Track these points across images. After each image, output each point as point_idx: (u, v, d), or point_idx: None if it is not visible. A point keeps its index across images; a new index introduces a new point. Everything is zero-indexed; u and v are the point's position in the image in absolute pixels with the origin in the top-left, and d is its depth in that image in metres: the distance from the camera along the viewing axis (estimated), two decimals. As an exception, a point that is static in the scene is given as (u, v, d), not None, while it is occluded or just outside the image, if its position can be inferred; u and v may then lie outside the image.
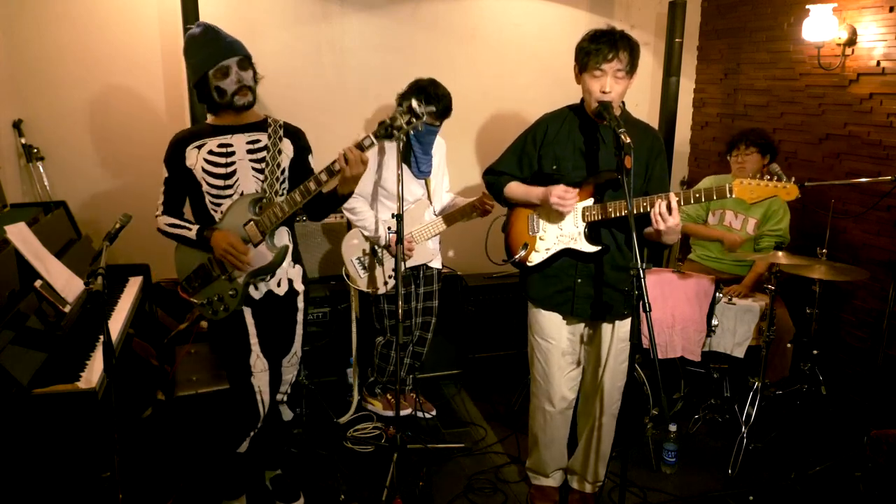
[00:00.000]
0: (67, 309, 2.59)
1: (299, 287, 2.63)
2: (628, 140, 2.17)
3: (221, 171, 2.42)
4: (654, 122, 4.29)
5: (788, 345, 3.35)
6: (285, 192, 2.50)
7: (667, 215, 2.25)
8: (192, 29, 2.46)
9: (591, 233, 2.49)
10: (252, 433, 2.58)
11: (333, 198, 2.49)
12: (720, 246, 3.62)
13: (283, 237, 2.54)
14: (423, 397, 3.69)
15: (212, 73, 2.35)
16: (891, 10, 3.26)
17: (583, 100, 2.49)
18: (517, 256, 2.61)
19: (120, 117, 3.77)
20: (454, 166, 4.13)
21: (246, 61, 2.41)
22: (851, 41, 3.43)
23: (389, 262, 3.27)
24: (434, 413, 3.63)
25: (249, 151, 2.45)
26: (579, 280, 2.54)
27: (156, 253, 3.24)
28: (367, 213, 3.26)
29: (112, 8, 3.65)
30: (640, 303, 2.12)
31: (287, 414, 2.91)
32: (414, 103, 2.28)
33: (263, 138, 2.48)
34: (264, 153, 2.46)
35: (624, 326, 2.58)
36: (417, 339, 3.55)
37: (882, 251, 3.42)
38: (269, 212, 2.40)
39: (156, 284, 3.56)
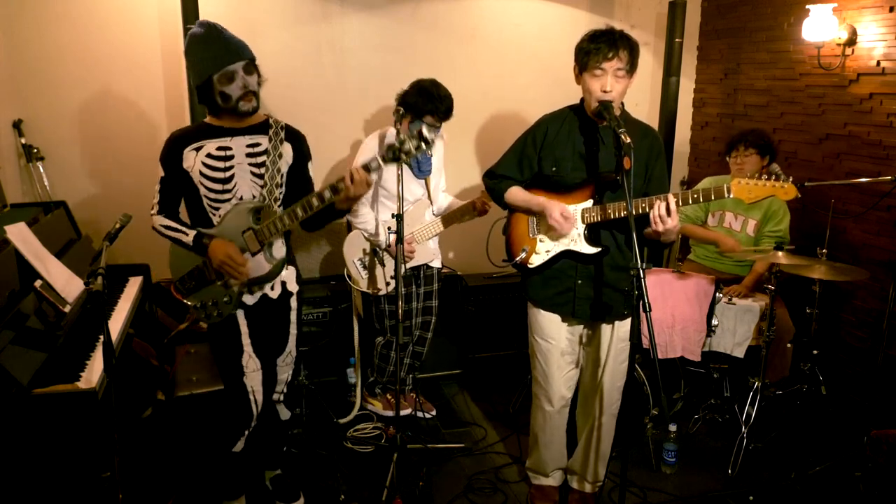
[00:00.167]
0: (67, 309, 2.59)
1: (293, 288, 2.63)
2: (628, 140, 2.17)
3: (220, 175, 2.40)
4: (654, 122, 4.29)
5: (788, 345, 3.35)
6: (282, 195, 2.48)
7: (665, 217, 2.25)
8: (194, 28, 2.40)
9: (591, 234, 2.49)
10: (246, 432, 2.58)
11: (331, 212, 2.45)
12: (716, 247, 3.62)
13: (280, 249, 2.53)
14: (423, 397, 3.69)
15: (216, 78, 2.32)
16: (891, 10, 3.26)
17: (583, 100, 2.49)
18: (518, 259, 2.61)
19: (120, 117, 3.77)
20: (454, 166, 4.14)
21: (251, 65, 2.38)
22: (851, 41, 3.43)
23: (390, 263, 3.27)
24: (434, 413, 3.63)
25: (249, 155, 2.42)
26: (579, 281, 2.55)
27: (156, 253, 3.23)
28: (367, 215, 3.26)
29: (112, 8, 3.65)
30: (640, 303, 2.13)
31: (285, 414, 2.90)
32: (424, 130, 2.25)
33: (264, 142, 2.45)
34: (264, 157, 2.44)
35: (624, 326, 2.58)
36: (417, 338, 3.55)
37: (882, 251, 3.42)
38: (270, 223, 2.38)
39: (156, 284, 3.56)
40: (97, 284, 1.97)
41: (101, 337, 2.09)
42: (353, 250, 3.35)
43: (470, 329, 4.01)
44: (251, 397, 2.53)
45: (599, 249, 2.49)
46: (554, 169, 2.52)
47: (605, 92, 2.33)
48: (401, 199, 2.79)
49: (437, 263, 3.52)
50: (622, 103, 2.46)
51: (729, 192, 2.25)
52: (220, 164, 2.39)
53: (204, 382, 2.92)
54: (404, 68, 4.08)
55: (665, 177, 2.58)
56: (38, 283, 2.53)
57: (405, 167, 3.20)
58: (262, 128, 2.47)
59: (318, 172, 4.05)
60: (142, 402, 3.18)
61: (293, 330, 2.69)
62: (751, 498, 2.90)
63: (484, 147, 4.34)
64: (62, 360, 2.41)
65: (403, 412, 3.41)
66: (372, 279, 3.32)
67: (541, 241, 2.58)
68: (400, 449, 2.88)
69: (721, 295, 3.34)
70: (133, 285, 3.27)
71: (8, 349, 2.22)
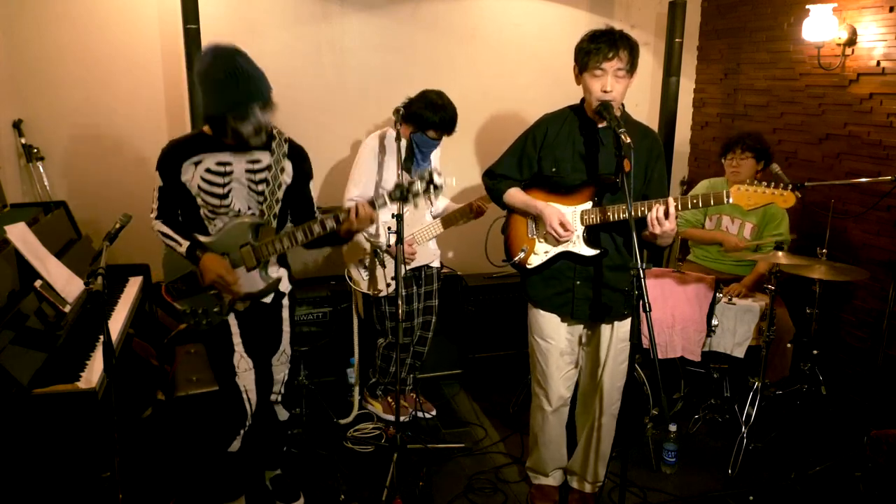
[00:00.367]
0: (67, 309, 2.59)
1: (285, 288, 2.63)
2: (628, 140, 2.17)
3: (218, 190, 2.38)
4: (654, 123, 4.29)
5: (788, 345, 3.35)
6: (280, 212, 2.48)
7: (663, 220, 2.26)
8: (211, 52, 2.23)
9: (590, 236, 2.50)
10: (242, 431, 2.58)
11: (331, 238, 2.44)
12: (719, 247, 3.62)
13: (276, 268, 2.54)
14: (424, 397, 3.69)
15: (231, 116, 2.26)
16: (891, 10, 3.26)
17: (583, 100, 2.49)
18: (516, 259, 2.61)
19: (120, 117, 3.77)
20: (454, 166, 4.14)
21: (268, 102, 2.31)
22: (851, 41, 3.43)
23: (391, 264, 3.26)
24: (434, 413, 3.63)
25: (249, 171, 2.40)
26: (578, 282, 2.55)
27: (156, 253, 3.22)
28: (369, 217, 3.26)
29: (112, 8, 3.65)
30: (640, 303, 2.13)
31: (283, 414, 2.91)
32: (436, 177, 2.26)
33: (265, 158, 2.42)
34: (265, 174, 2.42)
35: (623, 327, 2.59)
36: (418, 338, 3.55)
37: (882, 251, 3.42)
38: (268, 243, 2.38)
39: (156, 284, 3.55)
40: (97, 284, 1.97)
41: (101, 337, 2.09)
42: (353, 250, 3.35)
43: (470, 329, 4.01)
44: (244, 396, 2.53)
45: (598, 251, 2.49)
46: (554, 169, 2.52)
47: (605, 92, 2.33)
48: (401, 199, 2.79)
49: (436, 263, 3.52)
50: (622, 104, 2.46)
51: (728, 198, 2.25)
52: (220, 180, 2.37)
53: (204, 382, 2.92)
54: (404, 68, 4.09)
55: (664, 179, 2.59)
56: (38, 283, 2.54)
57: (404, 172, 3.20)
58: (265, 144, 2.42)
59: (318, 172, 4.02)
60: (142, 402, 3.18)
61: (286, 328, 2.69)
62: (751, 498, 2.90)
63: (484, 147, 4.34)
64: (62, 360, 2.41)
65: (403, 418, 3.40)
66: (373, 280, 3.32)
67: (539, 241, 2.58)
68: (400, 449, 2.88)
69: (721, 295, 3.34)
70: (133, 285, 3.28)
71: (8, 349, 2.22)
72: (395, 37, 4.09)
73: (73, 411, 2.26)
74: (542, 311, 2.64)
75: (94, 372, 2.37)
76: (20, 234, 2.63)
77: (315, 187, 2.64)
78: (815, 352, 3.33)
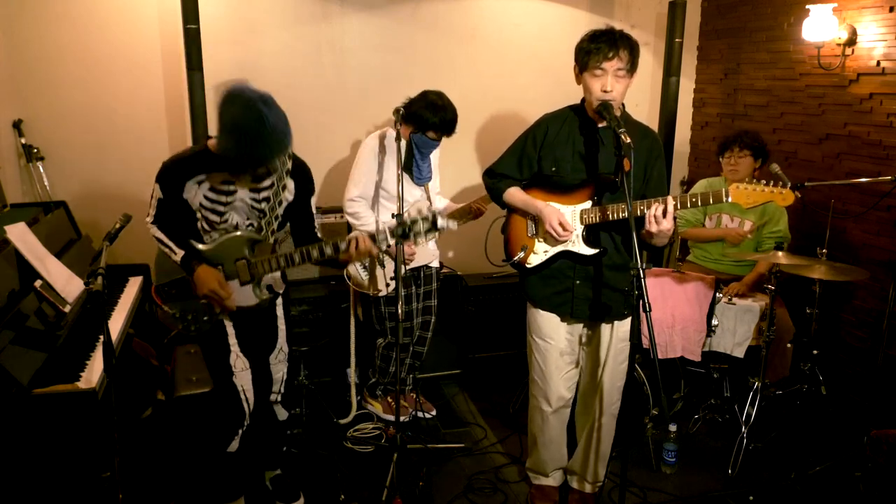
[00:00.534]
0: (67, 309, 2.59)
1: (279, 288, 2.64)
2: (629, 140, 2.17)
3: (220, 208, 2.39)
4: (654, 123, 4.28)
5: (788, 345, 3.35)
6: (279, 228, 2.49)
7: (661, 218, 2.26)
8: (238, 101, 2.12)
9: (589, 235, 2.50)
10: (240, 431, 2.58)
11: (329, 261, 2.44)
12: (719, 247, 3.62)
13: (270, 278, 2.54)
14: (423, 397, 3.69)
15: (250, 165, 2.27)
16: (891, 10, 3.26)
17: (583, 100, 2.49)
18: (516, 258, 2.61)
19: (120, 117, 3.77)
20: (454, 166, 4.14)
21: (284, 156, 2.33)
22: (851, 41, 3.43)
23: (390, 264, 3.27)
24: (434, 413, 3.63)
25: (252, 191, 2.40)
26: (577, 282, 2.55)
27: (156, 253, 3.24)
28: (369, 218, 3.26)
29: (112, 8, 3.65)
30: (640, 303, 2.13)
31: (282, 414, 2.91)
32: (440, 220, 2.27)
33: (269, 177, 2.42)
34: (268, 192, 2.42)
35: (623, 326, 2.58)
36: (417, 338, 3.55)
37: (882, 251, 3.42)
38: (264, 260, 2.38)
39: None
40: (97, 284, 1.97)
41: (101, 337, 2.09)
42: (353, 250, 3.34)
43: (470, 329, 4.01)
44: (242, 396, 2.54)
45: (597, 251, 2.49)
46: (553, 169, 2.52)
47: (605, 92, 2.33)
48: (401, 199, 2.79)
49: (436, 263, 3.53)
50: (623, 104, 2.46)
51: (727, 196, 2.25)
52: (222, 199, 2.38)
53: (204, 382, 2.92)
54: (404, 68, 4.09)
55: (664, 178, 2.58)
56: (38, 283, 2.54)
57: (405, 174, 3.20)
58: None
59: (318, 172, 4.04)
60: (142, 402, 3.18)
61: (281, 325, 2.69)
62: (751, 498, 2.90)
63: (483, 147, 4.34)
64: (62, 360, 2.41)
65: (403, 418, 3.39)
66: (372, 280, 3.32)
67: (539, 241, 2.58)
68: (400, 449, 2.88)
69: (721, 295, 3.34)
70: (133, 285, 3.28)
71: (8, 349, 2.22)
72: (396, 37, 4.09)
73: (73, 411, 2.26)
74: (541, 311, 2.64)
75: (94, 372, 2.37)
76: (20, 234, 2.63)
77: (315, 189, 2.64)
78: (815, 352, 3.33)
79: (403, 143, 3.08)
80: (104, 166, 3.79)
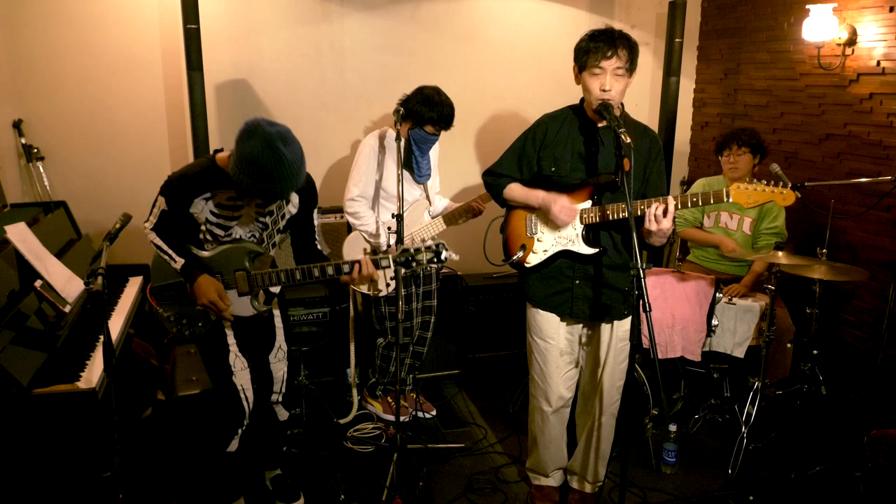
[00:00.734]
0: (67, 309, 2.59)
1: (275, 289, 2.64)
2: (629, 140, 2.17)
3: (226, 223, 2.40)
4: (654, 123, 4.28)
5: (788, 345, 3.35)
6: (279, 239, 2.51)
7: (661, 217, 2.26)
8: (258, 139, 2.10)
9: (589, 235, 2.50)
10: (240, 431, 2.59)
11: (331, 281, 2.44)
12: (717, 249, 3.62)
13: (268, 297, 2.55)
14: (423, 397, 3.69)
15: (264, 198, 2.31)
16: (891, 10, 3.26)
17: (583, 100, 2.49)
18: (515, 258, 2.61)
19: (120, 117, 3.77)
20: (453, 166, 4.14)
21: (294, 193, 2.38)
22: (851, 41, 3.43)
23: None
24: (434, 413, 3.63)
25: (258, 205, 2.41)
26: (577, 281, 2.55)
27: (154, 254, 3.24)
28: (369, 217, 3.26)
29: (112, 8, 3.65)
30: (640, 303, 2.13)
31: (283, 414, 2.91)
32: (444, 252, 2.27)
33: None
34: (272, 206, 2.43)
35: (623, 326, 2.59)
36: (417, 338, 3.55)
37: (882, 251, 3.42)
38: (264, 274, 2.38)
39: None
40: (97, 284, 1.97)
41: (101, 337, 2.09)
42: (354, 251, 3.35)
43: (470, 329, 4.01)
44: (242, 395, 2.54)
45: (597, 250, 2.49)
46: (553, 169, 2.52)
47: (604, 91, 2.33)
48: (401, 199, 2.79)
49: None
50: (622, 104, 2.46)
51: (728, 196, 2.25)
52: (229, 214, 2.39)
53: (203, 382, 2.92)
54: (404, 68, 4.09)
55: (663, 178, 2.58)
56: (38, 283, 2.54)
57: (405, 173, 3.20)
58: None
59: (318, 173, 4.07)
60: (142, 402, 3.18)
61: (279, 324, 2.70)
62: (751, 498, 2.90)
63: (483, 147, 4.34)
64: (62, 360, 2.41)
65: (403, 418, 3.40)
66: (372, 280, 3.31)
67: (538, 240, 2.58)
68: (400, 449, 2.88)
69: (721, 295, 3.34)
70: (133, 285, 3.28)
71: (8, 349, 2.22)
72: (396, 37, 4.09)
73: (73, 411, 2.26)
74: (541, 311, 2.64)
75: (94, 372, 2.38)
76: (20, 234, 2.63)
77: (318, 201, 2.65)
78: (815, 352, 3.33)
79: (403, 142, 3.08)
80: (104, 166, 3.79)
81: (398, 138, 2.95)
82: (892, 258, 3.35)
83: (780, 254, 3.00)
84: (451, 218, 3.36)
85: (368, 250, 3.32)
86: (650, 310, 2.13)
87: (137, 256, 3.46)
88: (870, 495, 2.75)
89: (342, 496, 2.90)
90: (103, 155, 3.79)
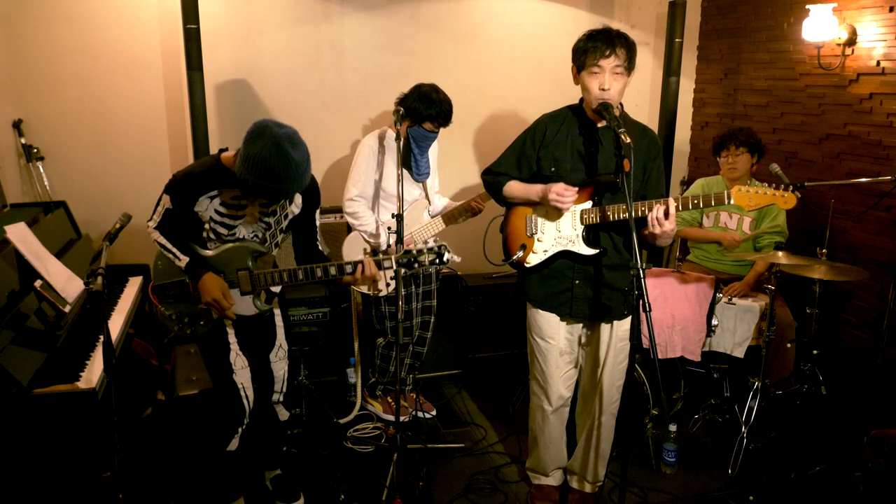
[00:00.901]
0: (67, 309, 2.59)
1: (276, 289, 2.64)
2: (629, 140, 2.17)
3: (230, 221, 2.40)
4: (654, 123, 4.29)
5: (789, 344, 3.35)
6: (281, 239, 2.52)
7: (663, 220, 2.27)
8: (268, 138, 2.12)
9: (589, 235, 2.50)
10: (240, 430, 2.59)
11: (332, 281, 2.45)
12: (718, 246, 3.62)
13: (270, 297, 2.55)
14: (423, 397, 3.69)
15: (269, 198, 2.30)
16: (891, 10, 3.26)
17: (582, 100, 2.49)
18: (515, 257, 2.61)
19: (120, 117, 3.77)
20: (453, 165, 4.14)
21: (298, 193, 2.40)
22: (851, 41, 3.43)
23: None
24: (434, 413, 3.63)
25: (262, 205, 2.42)
26: (577, 281, 2.55)
27: (156, 253, 3.25)
28: (369, 218, 3.26)
29: (112, 8, 3.65)
30: (640, 303, 2.13)
31: (283, 414, 2.91)
32: (446, 254, 2.28)
33: None
34: (275, 206, 2.45)
35: (623, 326, 2.59)
36: (417, 338, 3.55)
37: (882, 251, 3.42)
38: (267, 274, 2.39)
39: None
40: (97, 284, 1.97)
41: (101, 337, 2.09)
42: (353, 251, 3.35)
43: (470, 329, 4.01)
44: (242, 394, 2.54)
45: (597, 251, 2.49)
46: (553, 169, 2.52)
47: (603, 90, 2.33)
48: (401, 199, 2.79)
49: (436, 263, 3.52)
50: (621, 104, 2.46)
51: (730, 199, 2.25)
52: (234, 213, 2.39)
53: (203, 382, 2.92)
54: (404, 68, 4.09)
55: (662, 178, 2.58)
56: (38, 283, 2.54)
57: (403, 170, 3.20)
58: None
59: (318, 173, 4.05)
60: (142, 402, 3.18)
61: (279, 322, 2.70)
62: (751, 498, 2.90)
63: (483, 147, 4.34)
64: (62, 360, 2.41)
65: (403, 418, 3.40)
66: (374, 280, 3.31)
67: (539, 240, 2.58)
68: (400, 449, 2.88)
69: (721, 295, 3.34)
70: (133, 285, 3.28)
71: (8, 349, 2.22)
72: (396, 37, 4.09)
73: (73, 411, 2.26)
74: (541, 311, 2.64)
75: (94, 372, 2.38)
76: (20, 234, 2.63)
77: (320, 202, 2.65)
78: (815, 352, 3.33)
79: (402, 140, 3.08)
80: (104, 166, 3.79)
81: (398, 138, 2.95)
82: (892, 258, 3.35)
83: (781, 254, 3.00)
84: (450, 217, 3.36)
85: (368, 250, 3.32)
86: (650, 310, 2.13)
87: (137, 256, 3.46)
88: (870, 495, 2.75)
89: (342, 496, 2.90)
90: (103, 155, 3.79)
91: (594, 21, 4.32)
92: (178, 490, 2.82)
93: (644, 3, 4.50)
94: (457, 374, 4.04)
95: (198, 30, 3.41)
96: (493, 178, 2.67)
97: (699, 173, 4.60)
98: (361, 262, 2.33)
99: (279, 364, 2.72)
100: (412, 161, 3.24)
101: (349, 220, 3.31)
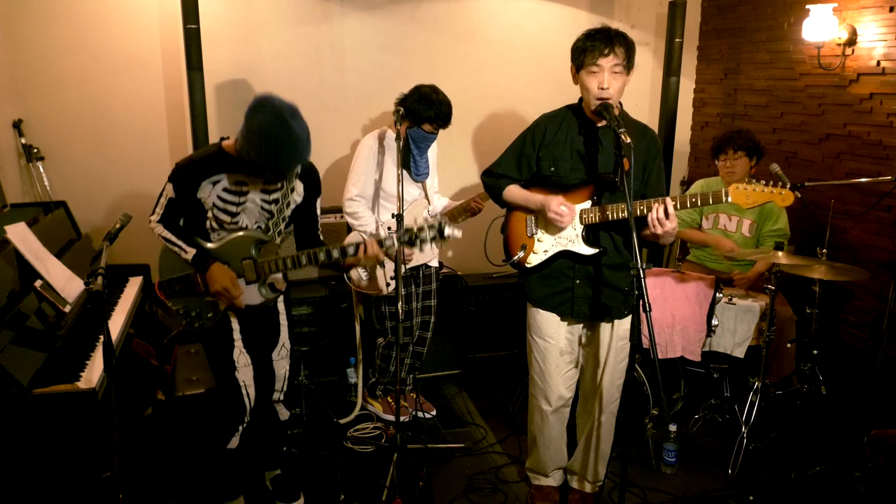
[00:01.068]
0: (67, 309, 2.59)
1: (281, 287, 2.64)
2: (628, 140, 2.17)
3: (232, 208, 2.41)
4: (654, 123, 4.29)
5: (789, 344, 3.35)
6: (285, 230, 2.52)
7: (664, 220, 2.27)
8: (269, 110, 2.16)
9: (589, 235, 2.50)
10: (241, 427, 2.59)
11: (333, 265, 2.46)
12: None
13: (276, 284, 2.55)
14: (423, 397, 3.69)
15: (270, 172, 2.32)
16: (891, 10, 3.26)
17: (581, 100, 2.49)
18: (515, 258, 2.61)
19: (120, 117, 3.77)
20: (453, 165, 4.14)
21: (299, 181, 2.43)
22: (851, 41, 3.43)
23: (390, 264, 3.26)
24: (434, 413, 3.63)
25: (264, 191, 2.43)
26: (577, 281, 2.55)
27: (156, 253, 3.24)
28: (368, 218, 3.26)
29: (112, 8, 3.65)
30: (640, 303, 2.13)
31: (284, 414, 2.91)
32: (447, 228, 2.26)
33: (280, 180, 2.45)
34: (277, 193, 2.45)
35: (623, 326, 2.59)
36: (417, 338, 3.55)
37: (882, 251, 3.42)
38: (271, 261, 2.40)
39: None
40: (97, 284, 1.97)
41: (101, 337, 2.09)
42: (353, 250, 3.35)
43: (470, 329, 4.01)
44: (243, 391, 2.55)
45: (597, 251, 2.49)
46: (552, 169, 2.52)
47: (602, 89, 2.33)
48: (401, 199, 2.79)
49: (435, 263, 3.53)
50: (620, 103, 2.46)
51: (727, 197, 2.25)
52: (235, 199, 2.40)
53: (204, 382, 2.92)
54: (404, 68, 4.09)
55: (662, 177, 2.58)
56: (38, 283, 2.54)
57: (403, 171, 3.20)
58: None
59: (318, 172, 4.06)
60: (142, 402, 3.18)
61: (283, 321, 2.71)
62: (751, 498, 2.90)
63: (483, 147, 4.34)
64: (62, 360, 2.41)
65: (403, 418, 3.40)
66: (372, 280, 3.32)
67: (539, 240, 2.58)
68: (400, 449, 2.88)
69: (721, 295, 3.33)
70: (133, 285, 3.28)
71: (8, 349, 2.22)
72: (396, 37, 4.09)
73: (73, 411, 2.26)
74: (541, 311, 2.64)
75: (94, 372, 2.37)
76: (20, 234, 2.63)
77: (321, 191, 2.65)
78: (815, 352, 3.33)
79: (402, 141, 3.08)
80: (104, 166, 3.79)
81: (398, 138, 2.95)
82: (892, 258, 3.35)
83: (781, 254, 3.00)
84: (449, 217, 3.36)
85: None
86: (650, 310, 2.13)
87: (137, 256, 3.46)
88: (870, 495, 2.75)
89: (342, 496, 2.90)
90: (103, 155, 3.79)
91: (594, 21, 4.32)
92: (178, 490, 2.82)
93: (644, 3, 4.50)
94: (457, 374, 4.04)
95: (198, 30, 3.41)
96: (493, 180, 2.67)
97: (699, 173, 4.61)
98: (364, 242, 2.33)
99: (281, 363, 2.72)
100: (411, 161, 3.25)
101: (349, 220, 3.31)
